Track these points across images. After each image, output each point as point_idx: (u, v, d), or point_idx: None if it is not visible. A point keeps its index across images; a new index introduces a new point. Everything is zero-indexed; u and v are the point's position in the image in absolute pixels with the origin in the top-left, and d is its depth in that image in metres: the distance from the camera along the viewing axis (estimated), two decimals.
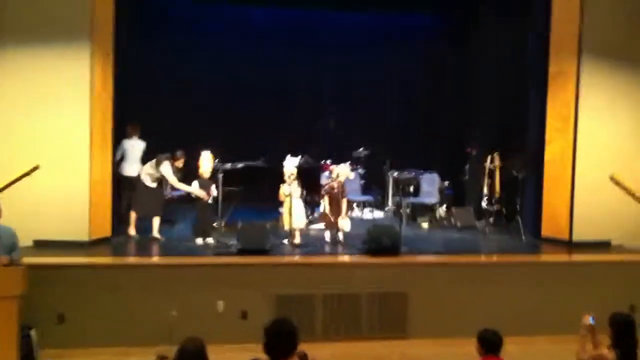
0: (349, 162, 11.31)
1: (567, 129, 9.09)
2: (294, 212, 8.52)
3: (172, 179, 8.72)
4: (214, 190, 8.61)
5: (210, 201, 8.64)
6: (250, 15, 12.80)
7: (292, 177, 8.58)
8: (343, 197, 8.89)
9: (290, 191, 8.53)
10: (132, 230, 8.88)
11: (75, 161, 8.09)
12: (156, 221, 8.81)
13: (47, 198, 7.98)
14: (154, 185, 8.87)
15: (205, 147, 8.92)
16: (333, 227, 8.87)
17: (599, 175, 8.94)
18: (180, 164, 8.89)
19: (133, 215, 8.93)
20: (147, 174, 8.84)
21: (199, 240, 8.53)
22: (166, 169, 8.69)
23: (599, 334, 5.07)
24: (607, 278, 8.09)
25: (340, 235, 8.86)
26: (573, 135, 9.01)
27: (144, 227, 8.99)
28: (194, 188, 8.60)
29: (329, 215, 8.87)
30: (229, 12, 12.65)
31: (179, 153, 8.91)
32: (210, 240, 8.53)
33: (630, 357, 4.76)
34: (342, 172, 8.98)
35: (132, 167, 9.57)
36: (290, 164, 8.67)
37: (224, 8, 12.61)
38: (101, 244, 8.32)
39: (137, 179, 9.02)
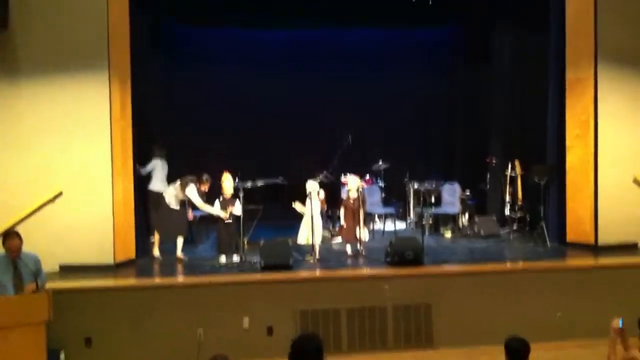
0: (367, 176, 11.42)
1: (587, 135, 9.03)
2: (315, 228, 8.54)
3: (199, 202, 8.78)
4: (236, 209, 8.65)
5: (230, 220, 8.66)
6: (265, 37, 12.89)
7: (312, 194, 8.71)
8: (362, 208, 8.89)
9: (311, 207, 8.58)
10: (156, 252, 8.94)
11: (98, 186, 8.19)
12: (180, 241, 8.86)
13: (71, 223, 8.08)
14: (177, 207, 8.94)
15: (225, 167, 8.98)
16: (351, 239, 8.88)
17: (622, 178, 8.93)
18: (206, 187, 8.95)
19: (157, 237, 8.99)
20: (171, 195, 8.90)
21: (223, 259, 8.56)
22: (192, 192, 8.74)
23: (629, 336, 5.00)
24: (635, 280, 7.99)
25: (361, 248, 8.85)
26: (594, 140, 8.95)
27: (167, 248, 9.05)
28: (217, 209, 8.66)
29: (346, 228, 8.88)
30: (245, 35, 12.75)
31: (205, 177, 8.97)
32: (235, 258, 8.55)
33: None
34: (352, 185, 9.03)
35: (158, 185, 10.01)
36: (312, 182, 8.91)
37: (240, 31, 12.71)
38: (126, 266, 8.39)
39: (162, 197, 9.11)
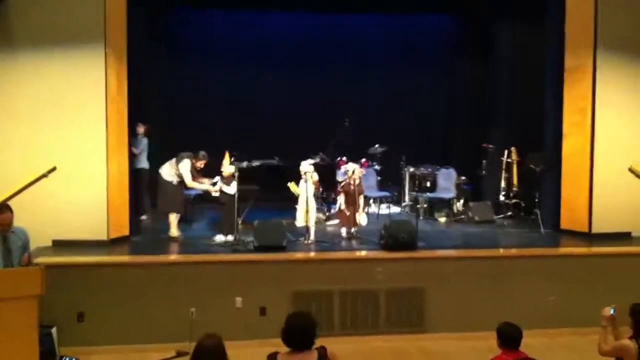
0: (364, 159, 11.40)
1: (585, 122, 9.02)
2: (310, 210, 8.54)
3: (187, 177, 8.70)
4: (231, 188, 8.63)
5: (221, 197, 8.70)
6: (264, 20, 12.81)
7: (307, 175, 8.68)
8: (360, 193, 8.90)
9: (306, 189, 8.58)
10: (174, 232, 8.83)
11: (93, 162, 8.13)
12: (174, 218, 8.81)
13: (65, 199, 8.04)
14: (175, 182, 8.84)
15: (222, 148, 8.95)
16: (350, 223, 8.88)
17: (618, 166, 8.95)
18: (201, 164, 8.87)
19: (172, 216, 8.88)
20: (167, 172, 8.82)
21: (220, 237, 8.57)
22: (184, 166, 8.68)
23: (621, 325, 5.02)
24: (628, 269, 8.03)
25: (354, 230, 8.87)
26: (591, 127, 8.94)
27: (164, 225, 9.02)
28: (206, 185, 8.71)
29: (346, 212, 8.88)
30: (243, 17, 12.66)
31: (202, 154, 8.87)
32: (230, 237, 8.54)
33: None
34: (356, 170, 9.03)
35: (144, 163, 10.31)
36: (306, 164, 8.87)
37: (239, 14, 12.64)
38: (120, 243, 8.36)
39: (150, 175, 9.17)
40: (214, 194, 8.76)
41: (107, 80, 8.17)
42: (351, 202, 8.88)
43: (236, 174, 8.52)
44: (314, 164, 9.15)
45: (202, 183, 8.87)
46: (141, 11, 9.55)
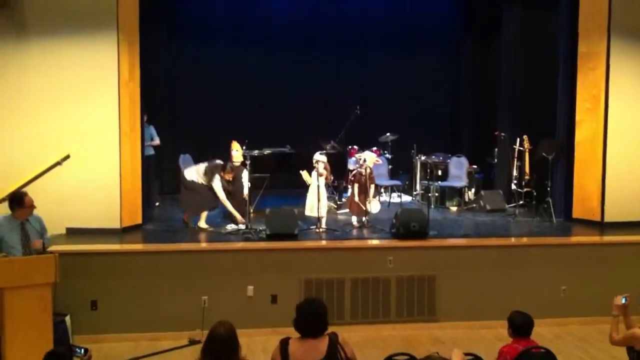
0: (375, 147, 11.38)
1: (598, 109, 8.97)
2: (320, 199, 8.57)
3: (221, 194, 8.66)
4: (244, 178, 8.68)
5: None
6: (273, 6, 12.78)
7: (319, 164, 8.70)
8: (371, 182, 8.90)
9: (317, 178, 8.59)
10: (203, 224, 8.77)
11: (106, 150, 8.16)
12: (205, 213, 8.82)
13: (78, 186, 8.08)
14: (200, 182, 8.77)
15: (232, 135, 8.94)
16: (361, 212, 8.88)
17: (631, 155, 8.91)
18: (229, 177, 8.77)
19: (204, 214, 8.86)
20: (193, 175, 8.77)
21: (231, 225, 8.62)
22: (217, 184, 8.60)
23: (633, 314, 5.01)
24: None
25: (366, 219, 8.86)
26: (604, 115, 8.89)
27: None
28: (234, 211, 8.76)
29: (357, 201, 8.88)
30: (253, 3, 12.63)
31: (229, 167, 8.78)
32: (241, 226, 8.58)
33: None
34: (368, 158, 9.03)
35: (152, 149, 10.17)
36: (319, 154, 8.87)
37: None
38: (133, 231, 8.42)
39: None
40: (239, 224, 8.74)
41: (120, 66, 8.19)
42: (362, 191, 8.88)
43: (247, 163, 8.51)
44: (325, 153, 9.15)
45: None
46: None
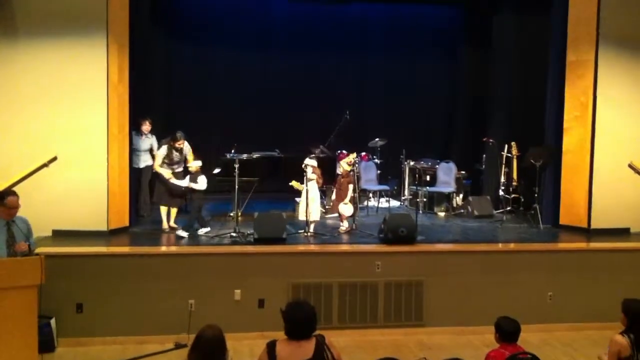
0: (364, 152, 11.41)
1: (586, 117, 9.03)
2: (311, 203, 8.57)
3: (158, 161, 8.64)
4: (200, 184, 8.62)
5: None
6: (265, 9, 12.78)
7: (307, 168, 8.69)
8: (348, 183, 8.92)
9: (307, 182, 8.59)
10: (168, 223, 8.79)
11: (94, 152, 8.13)
12: (163, 211, 8.79)
13: (66, 188, 8.04)
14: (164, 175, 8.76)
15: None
16: (335, 212, 8.95)
17: (618, 162, 8.96)
18: (180, 144, 8.62)
19: (164, 209, 8.82)
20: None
21: (202, 230, 8.54)
22: (160, 151, 8.64)
23: (613, 320, 5.03)
24: (626, 265, 8.05)
25: (354, 225, 8.84)
26: (591, 122, 8.95)
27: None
28: (166, 172, 8.61)
29: (336, 204, 8.96)
30: (245, 5, 12.63)
31: (178, 134, 8.63)
32: (204, 230, 8.54)
33: None
34: (347, 159, 9.12)
35: (151, 159, 9.78)
36: (309, 159, 8.88)
37: (241, 1, 12.59)
38: (120, 233, 8.37)
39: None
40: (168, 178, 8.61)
41: (109, 68, 8.17)
42: (338, 194, 8.99)
43: (236, 166, 8.49)
44: (315, 157, 9.17)
45: (169, 170, 8.70)
46: None
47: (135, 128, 9.22)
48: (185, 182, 8.65)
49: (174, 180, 8.62)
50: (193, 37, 12.31)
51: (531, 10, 10.73)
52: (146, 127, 9.68)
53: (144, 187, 9.79)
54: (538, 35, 10.41)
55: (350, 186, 8.92)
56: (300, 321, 4.09)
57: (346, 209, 8.89)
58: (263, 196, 10.22)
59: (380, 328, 7.62)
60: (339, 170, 9.72)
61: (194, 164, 8.69)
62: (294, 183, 8.80)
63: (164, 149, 8.64)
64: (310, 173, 8.69)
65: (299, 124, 12.45)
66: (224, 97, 12.45)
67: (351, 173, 9.05)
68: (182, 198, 8.92)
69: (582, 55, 9.06)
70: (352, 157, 9.21)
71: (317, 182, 8.79)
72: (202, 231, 8.53)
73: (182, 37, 12.21)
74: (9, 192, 6.23)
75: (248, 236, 8.10)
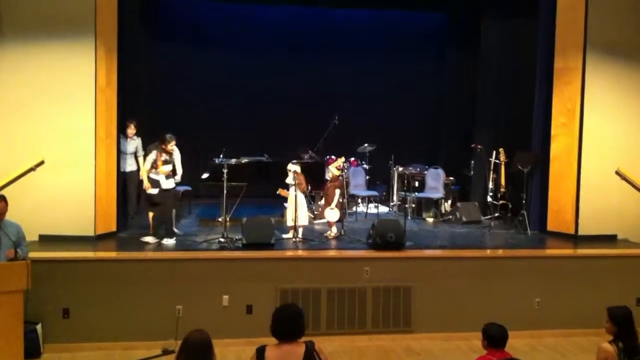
0: (353, 158, 11.43)
1: (573, 124, 9.07)
2: (298, 208, 8.55)
3: (146, 165, 8.41)
4: (168, 183, 8.39)
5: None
6: (255, 13, 12.80)
7: (291, 174, 8.66)
8: (335, 188, 8.93)
9: (293, 188, 8.61)
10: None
11: (81, 156, 8.08)
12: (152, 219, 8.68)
13: (53, 193, 7.99)
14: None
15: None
16: (323, 217, 8.99)
17: (605, 169, 9.02)
18: (171, 147, 8.35)
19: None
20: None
21: (150, 238, 8.24)
22: (149, 156, 8.40)
23: (598, 327, 5.04)
24: (613, 272, 8.09)
25: (343, 230, 8.85)
26: (579, 129, 8.99)
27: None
28: (145, 178, 8.41)
29: (323, 207, 9.01)
30: (233, 10, 12.63)
31: (168, 136, 8.33)
32: (171, 241, 8.29)
33: (635, 349, 4.76)
34: (335, 163, 9.14)
35: (135, 163, 9.78)
36: (292, 164, 8.85)
37: (229, 6, 12.59)
38: (107, 238, 8.32)
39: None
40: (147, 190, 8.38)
41: (97, 72, 8.12)
42: (325, 199, 9.00)
43: (225, 171, 8.46)
44: (300, 162, 9.12)
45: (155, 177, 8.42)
46: (131, 2, 9.45)
47: (120, 131, 9.13)
48: (155, 190, 8.34)
49: (150, 191, 8.34)
50: (181, 41, 12.32)
51: (518, 16, 10.79)
52: (131, 130, 9.56)
53: (130, 192, 9.67)
54: (525, 41, 10.46)
55: (337, 191, 8.91)
56: (286, 320, 4.11)
57: (332, 214, 8.88)
58: (251, 201, 10.20)
59: (369, 334, 7.61)
60: (328, 176, 9.73)
61: (164, 168, 8.33)
62: (280, 191, 8.80)
63: (154, 153, 8.42)
64: (291, 178, 8.67)
65: (287, 129, 12.47)
66: (211, 102, 12.46)
67: (340, 178, 9.06)
68: (167, 204, 8.51)
69: (570, 62, 9.11)
70: (341, 161, 9.22)
71: (300, 188, 8.77)
72: (166, 241, 8.22)
73: (169, 41, 12.16)
74: None
75: (236, 241, 8.07)
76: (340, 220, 8.94)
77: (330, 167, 9.13)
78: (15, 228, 6.29)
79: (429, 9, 13.10)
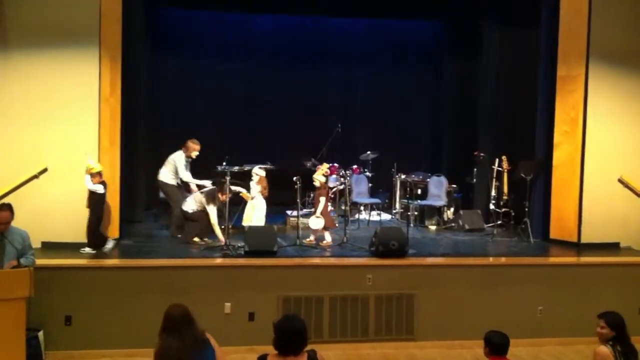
0: (355, 165, 11.42)
1: (576, 132, 9.07)
2: (256, 210, 8.95)
3: (183, 171, 9.01)
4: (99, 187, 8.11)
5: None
6: (254, 23, 12.83)
7: (255, 178, 9.11)
8: (320, 196, 8.88)
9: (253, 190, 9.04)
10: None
11: (84, 164, 8.06)
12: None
13: (56, 200, 8.02)
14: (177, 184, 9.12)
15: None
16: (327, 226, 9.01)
17: (607, 177, 9.00)
18: (224, 198, 8.55)
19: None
20: (167, 175, 9.05)
21: (87, 249, 7.96)
22: (179, 160, 9.00)
23: (588, 335, 5.03)
24: (616, 280, 8.07)
25: (328, 237, 8.85)
26: (581, 137, 8.99)
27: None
28: (202, 181, 9.05)
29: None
30: (234, 19, 12.66)
31: (226, 188, 8.54)
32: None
33: (633, 351, 4.79)
34: (315, 175, 9.01)
35: None
36: (257, 167, 9.27)
37: (229, 16, 12.61)
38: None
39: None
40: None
41: (101, 81, 8.17)
42: (315, 206, 9.00)
43: (227, 179, 8.49)
44: (268, 169, 9.47)
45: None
46: (136, 13, 9.50)
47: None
48: (202, 181, 9.03)
49: (199, 182, 9.16)
50: (182, 50, 12.38)
51: (520, 24, 10.81)
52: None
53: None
54: (527, 49, 10.47)
55: (322, 199, 8.84)
56: (289, 335, 4.06)
57: (316, 222, 8.80)
58: None
59: (371, 342, 7.60)
60: (331, 184, 9.73)
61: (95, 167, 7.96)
62: (243, 194, 9.01)
63: (182, 156, 8.91)
64: (255, 182, 8.95)
65: (289, 137, 12.52)
66: (212, 111, 12.53)
67: (327, 185, 9.04)
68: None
69: (573, 70, 9.12)
70: (325, 167, 9.12)
71: (262, 193, 8.97)
72: (105, 248, 8.08)
73: (172, 50, 12.24)
74: (2, 205, 6.18)
75: (239, 249, 8.08)
76: (326, 229, 8.85)
77: (315, 175, 8.99)
78: (21, 236, 6.26)
79: (426, 17, 13.09)
